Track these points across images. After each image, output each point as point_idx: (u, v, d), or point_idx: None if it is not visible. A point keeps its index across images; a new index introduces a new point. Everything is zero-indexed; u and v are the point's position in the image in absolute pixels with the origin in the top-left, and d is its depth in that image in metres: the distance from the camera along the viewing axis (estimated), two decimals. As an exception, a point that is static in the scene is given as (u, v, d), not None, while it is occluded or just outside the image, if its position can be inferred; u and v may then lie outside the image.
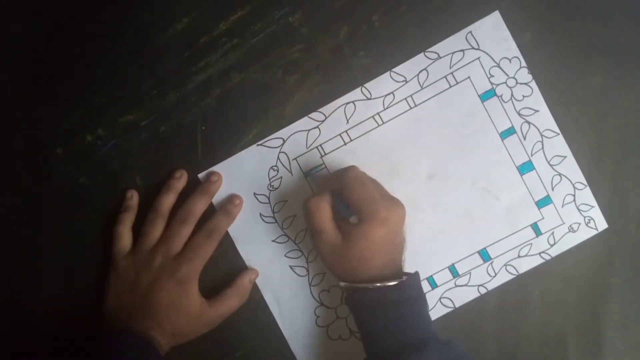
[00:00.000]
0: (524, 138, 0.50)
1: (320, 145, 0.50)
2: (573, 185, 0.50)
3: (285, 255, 0.51)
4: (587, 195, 0.50)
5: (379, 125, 0.50)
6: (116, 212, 0.50)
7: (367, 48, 0.50)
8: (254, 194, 0.51)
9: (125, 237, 0.49)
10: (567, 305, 0.51)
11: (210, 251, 0.49)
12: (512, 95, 0.50)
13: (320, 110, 0.50)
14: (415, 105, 0.50)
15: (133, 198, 0.50)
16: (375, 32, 0.50)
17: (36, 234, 0.51)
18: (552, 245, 0.50)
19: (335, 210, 0.46)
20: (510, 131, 0.50)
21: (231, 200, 0.50)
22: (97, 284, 0.51)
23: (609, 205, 0.50)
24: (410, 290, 0.44)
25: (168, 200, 0.49)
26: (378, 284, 0.43)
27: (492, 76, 0.50)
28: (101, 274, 0.50)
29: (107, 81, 0.50)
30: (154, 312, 0.47)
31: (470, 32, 0.49)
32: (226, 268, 0.51)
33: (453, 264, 0.51)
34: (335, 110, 0.50)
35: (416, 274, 0.45)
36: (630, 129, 0.50)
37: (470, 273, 0.51)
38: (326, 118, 0.50)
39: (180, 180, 0.50)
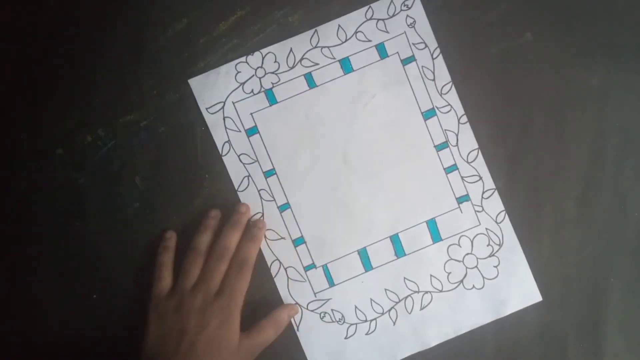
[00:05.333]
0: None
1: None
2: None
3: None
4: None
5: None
6: (116, 212, 0.50)
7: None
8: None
9: (166, 278, 0.49)
10: (567, 305, 0.50)
11: (246, 282, 0.48)
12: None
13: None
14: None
15: (172, 239, 0.50)
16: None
17: (36, 234, 0.50)
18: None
19: None
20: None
21: (255, 224, 0.50)
22: (96, 286, 0.50)
23: (610, 205, 0.50)
24: None
25: (206, 239, 0.49)
26: None
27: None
28: (101, 275, 0.50)
29: (107, 81, 0.50)
30: (198, 355, 0.46)
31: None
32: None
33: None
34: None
35: None
36: (630, 129, 0.50)
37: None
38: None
39: (216, 219, 0.50)
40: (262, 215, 0.50)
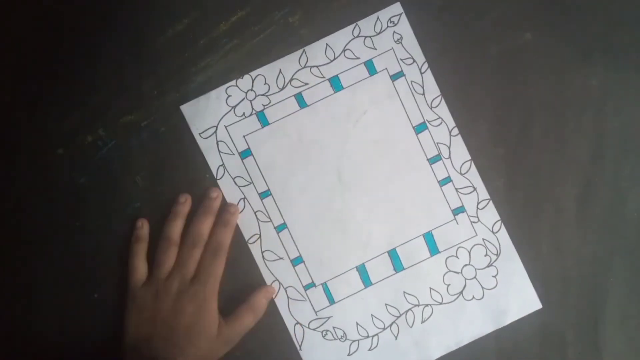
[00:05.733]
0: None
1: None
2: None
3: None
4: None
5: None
6: (116, 213, 0.51)
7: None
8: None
9: (140, 268, 0.49)
10: (566, 305, 0.50)
11: (221, 268, 0.49)
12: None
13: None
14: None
15: (144, 227, 0.50)
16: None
17: (36, 234, 0.51)
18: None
19: None
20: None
21: (227, 210, 0.50)
22: (97, 285, 0.51)
23: (610, 205, 0.50)
24: None
25: (177, 227, 0.50)
26: None
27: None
28: (100, 275, 0.51)
29: (107, 81, 0.50)
30: (176, 338, 0.47)
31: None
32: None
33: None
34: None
35: None
36: (630, 129, 0.50)
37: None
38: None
39: (185, 205, 0.50)
40: (260, 236, 0.51)
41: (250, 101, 0.51)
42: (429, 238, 0.51)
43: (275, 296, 0.50)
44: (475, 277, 0.50)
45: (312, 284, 0.51)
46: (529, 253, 0.50)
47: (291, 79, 0.51)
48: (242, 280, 0.50)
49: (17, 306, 0.51)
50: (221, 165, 0.51)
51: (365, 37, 0.50)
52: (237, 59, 0.50)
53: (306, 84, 0.51)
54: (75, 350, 0.50)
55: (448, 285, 0.50)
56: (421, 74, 0.50)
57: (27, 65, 0.51)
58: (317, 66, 0.50)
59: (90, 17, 0.51)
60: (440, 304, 0.50)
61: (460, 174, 0.50)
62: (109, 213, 0.51)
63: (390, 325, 0.50)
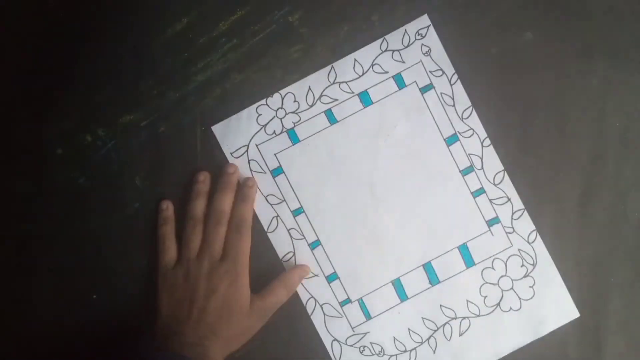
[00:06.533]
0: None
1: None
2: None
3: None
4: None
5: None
6: (116, 213, 0.51)
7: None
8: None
9: (170, 249, 0.50)
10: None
11: (247, 243, 0.49)
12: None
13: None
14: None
15: (169, 209, 0.50)
16: (375, 32, 0.50)
17: (36, 234, 0.51)
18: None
19: None
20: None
21: (245, 184, 0.50)
22: (96, 285, 0.51)
23: (610, 205, 0.50)
24: None
25: (200, 205, 0.50)
26: None
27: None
28: (101, 275, 0.51)
29: (107, 81, 0.51)
30: (210, 320, 0.47)
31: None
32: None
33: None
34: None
35: None
36: (630, 129, 0.50)
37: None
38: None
39: (205, 183, 0.50)
40: (294, 254, 0.51)
41: (281, 119, 0.50)
42: (464, 250, 0.50)
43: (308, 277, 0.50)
44: (512, 288, 0.50)
45: (347, 300, 0.51)
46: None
47: (320, 96, 0.50)
48: (279, 299, 0.50)
49: (17, 306, 0.51)
50: None
51: (394, 50, 0.50)
52: (236, 59, 0.50)
53: (335, 100, 0.50)
54: (75, 350, 0.50)
55: (485, 297, 0.50)
56: (451, 85, 0.50)
57: (27, 66, 0.51)
58: (346, 82, 0.50)
59: (90, 16, 0.51)
60: (478, 316, 0.50)
61: (494, 184, 0.50)
62: (109, 213, 0.51)
63: (428, 339, 0.50)
